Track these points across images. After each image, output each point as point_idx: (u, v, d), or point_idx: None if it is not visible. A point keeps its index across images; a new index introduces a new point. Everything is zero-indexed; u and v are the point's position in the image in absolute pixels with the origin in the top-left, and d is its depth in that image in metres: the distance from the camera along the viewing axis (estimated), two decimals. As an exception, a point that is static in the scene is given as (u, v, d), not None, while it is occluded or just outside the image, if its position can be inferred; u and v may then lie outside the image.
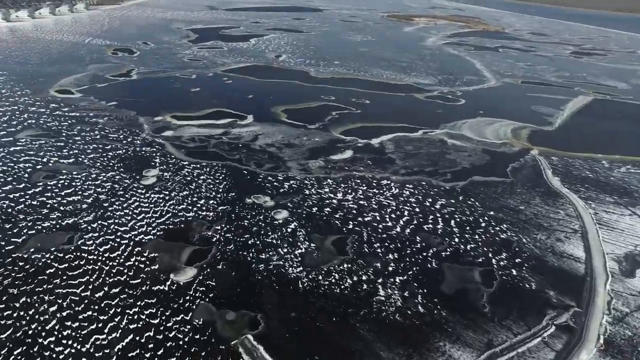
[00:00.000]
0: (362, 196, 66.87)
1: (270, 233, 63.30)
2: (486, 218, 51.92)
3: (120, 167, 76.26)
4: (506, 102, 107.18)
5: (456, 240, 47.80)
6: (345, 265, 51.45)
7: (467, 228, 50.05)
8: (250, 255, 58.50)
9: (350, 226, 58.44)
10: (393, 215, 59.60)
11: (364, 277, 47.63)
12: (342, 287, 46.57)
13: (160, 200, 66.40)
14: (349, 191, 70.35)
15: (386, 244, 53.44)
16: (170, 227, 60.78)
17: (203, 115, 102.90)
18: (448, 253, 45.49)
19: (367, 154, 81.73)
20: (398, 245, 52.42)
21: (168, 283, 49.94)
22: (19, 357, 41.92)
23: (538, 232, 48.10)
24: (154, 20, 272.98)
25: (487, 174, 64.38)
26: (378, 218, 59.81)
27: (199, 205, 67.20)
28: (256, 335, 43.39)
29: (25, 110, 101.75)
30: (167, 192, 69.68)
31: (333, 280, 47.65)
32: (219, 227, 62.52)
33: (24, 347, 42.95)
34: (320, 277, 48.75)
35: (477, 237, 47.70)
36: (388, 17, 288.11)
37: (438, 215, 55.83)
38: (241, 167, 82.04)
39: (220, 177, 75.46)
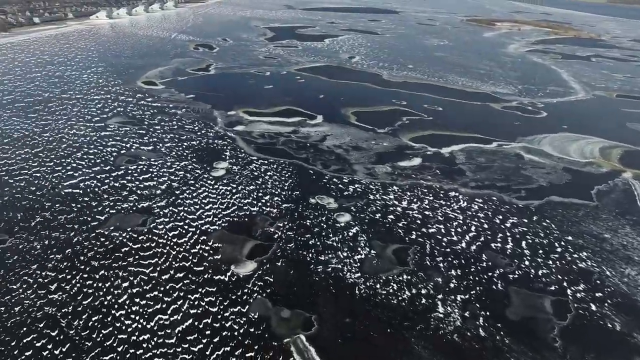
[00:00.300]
0: (427, 206, 64.70)
1: (331, 235, 63.97)
2: (563, 243, 46.57)
3: (193, 157, 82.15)
4: (596, 118, 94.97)
5: (526, 263, 43.33)
6: (404, 277, 50.33)
7: (540, 252, 45.11)
8: (310, 255, 59.63)
9: (413, 236, 57.00)
10: (459, 230, 56.56)
11: (423, 291, 46.12)
12: (400, 298, 45.55)
13: (228, 193, 70.34)
14: (415, 200, 68.68)
15: (449, 259, 50.98)
16: (235, 219, 64.13)
17: (274, 113, 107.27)
18: (516, 276, 41.34)
19: (436, 163, 78.83)
20: (462, 262, 49.82)
21: (228, 274, 52.77)
22: (95, 324, 46.37)
23: (626, 265, 43.22)
24: (234, 17, 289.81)
25: (567, 195, 57.87)
26: (443, 231, 57.27)
27: (263, 200, 70.09)
28: (309, 336, 43.91)
29: (115, 99, 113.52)
30: (235, 185, 73.65)
31: (391, 290, 46.88)
32: (281, 225, 64.68)
33: (100, 316, 47.46)
34: (378, 286, 48.21)
35: (550, 262, 43.02)
36: (467, 21, 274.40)
37: (508, 234, 50.52)
38: (307, 166, 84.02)
39: (287, 175, 78.03)
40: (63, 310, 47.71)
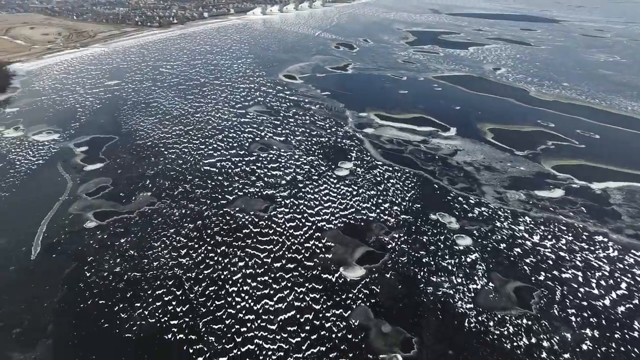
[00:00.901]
0: (564, 247, 56.34)
1: (447, 257, 60.64)
2: None
3: (320, 153, 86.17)
4: None
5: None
6: (524, 321, 44.81)
7: None
8: (422, 273, 57.54)
9: (542, 277, 50.36)
10: (603, 283, 48.19)
11: (545, 344, 40.19)
12: (515, 344, 40.59)
13: (348, 194, 72.02)
14: (549, 236, 60.60)
15: (585, 314, 43.53)
16: (351, 222, 65.38)
17: (406, 119, 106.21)
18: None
19: (582, 199, 68.33)
20: (603, 323, 42.11)
21: (336, 275, 54.11)
22: (210, 294, 51.15)
23: None
24: (377, 19, 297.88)
25: None
26: (581, 279, 49.35)
27: (382, 207, 69.97)
28: (407, 358, 41.89)
29: (258, 89, 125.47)
30: (356, 188, 75.11)
31: (506, 332, 42.30)
32: (396, 235, 63.78)
33: (215, 287, 52.35)
34: (491, 323, 43.90)
35: None
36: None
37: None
38: (433, 180, 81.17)
39: (410, 185, 76.51)
40: (187, 275, 54.73)
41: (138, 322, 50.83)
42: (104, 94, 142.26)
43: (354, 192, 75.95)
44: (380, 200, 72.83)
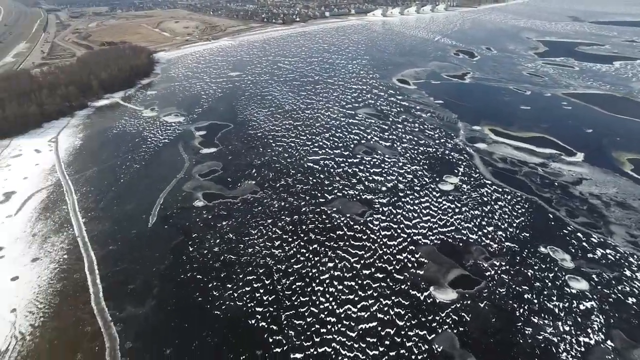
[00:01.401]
0: None
1: (555, 298, 53.60)
2: None
3: (425, 164, 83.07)
4: None
5: None
6: None
7: None
8: (521, 311, 51.88)
9: None
10: None
11: None
12: None
13: (450, 210, 68.18)
14: None
15: None
16: (449, 240, 61.75)
17: (524, 138, 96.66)
18: None
19: None
20: None
21: (425, 293, 51.53)
22: (297, 289, 52.20)
23: None
24: (505, 26, 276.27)
25: None
26: None
27: (486, 230, 64.77)
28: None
29: (369, 91, 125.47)
30: (459, 205, 70.78)
31: None
32: (497, 264, 58.47)
33: (302, 283, 53.31)
34: None
35: None
36: None
37: None
38: (548, 208, 72.52)
39: (520, 211, 69.50)
40: (278, 266, 56.86)
41: (227, 302, 54.28)
42: (225, 84, 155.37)
43: (457, 209, 71.42)
44: (484, 222, 67.34)
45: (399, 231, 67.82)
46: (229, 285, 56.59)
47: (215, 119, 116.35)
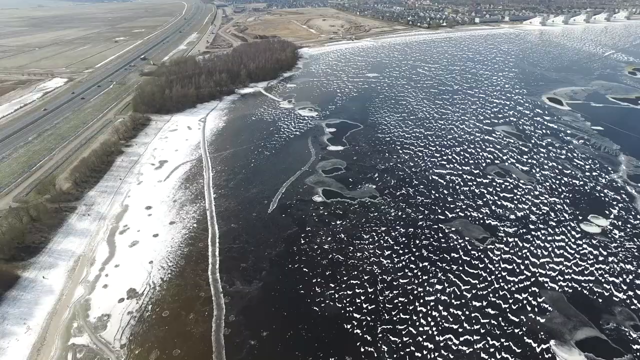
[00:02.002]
0: None
1: None
2: None
3: (567, 197, 72.95)
4: None
5: None
6: None
7: None
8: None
9: None
10: None
11: None
12: None
13: (592, 257, 59.06)
14: None
15: None
16: (585, 292, 53.41)
17: None
18: None
19: None
20: None
21: (544, 346, 45.87)
22: (398, 304, 50.21)
23: None
24: None
25: None
26: None
27: (638, 290, 53.80)
28: None
29: (513, 108, 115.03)
30: (606, 253, 60.56)
31: None
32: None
33: (405, 299, 51.37)
34: None
35: None
36: None
37: None
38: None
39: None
40: (383, 276, 56.06)
41: (327, 301, 55.76)
42: (362, 84, 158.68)
43: (601, 257, 60.88)
44: (638, 281, 56.19)
45: (522, 267, 60.94)
46: (332, 285, 57.90)
47: (347, 117, 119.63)
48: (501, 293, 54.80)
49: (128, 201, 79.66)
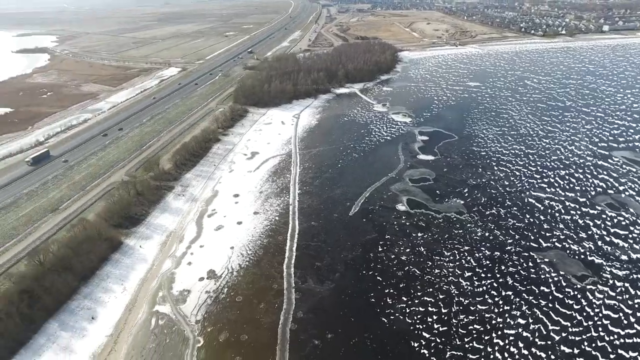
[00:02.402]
0: None
1: None
2: None
3: None
4: None
5: None
6: None
7: None
8: None
9: None
10: None
11: None
12: None
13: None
14: None
15: None
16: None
17: None
18: None
19: None
20: None
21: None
22: (472, 331, 46.85)
23: None
24: None
25: None
26: None
27: None
28: None
29: (638, 131, 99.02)
30: None
31: None
32: None
33: (481, 327, 47.28)
34: None
35: None
36: None
37: None
38: None
39: None
40: (460, 298, 52.29)
41: (397, 314, 53.93)
42: (461, 93, 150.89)
43: None
44: None
45: (633, 320, 52.61)
46: (404, 299, 56.00)
47: (441, 127, 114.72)
48: (599, 344, 47.79)
49: (219, 187, 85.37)
